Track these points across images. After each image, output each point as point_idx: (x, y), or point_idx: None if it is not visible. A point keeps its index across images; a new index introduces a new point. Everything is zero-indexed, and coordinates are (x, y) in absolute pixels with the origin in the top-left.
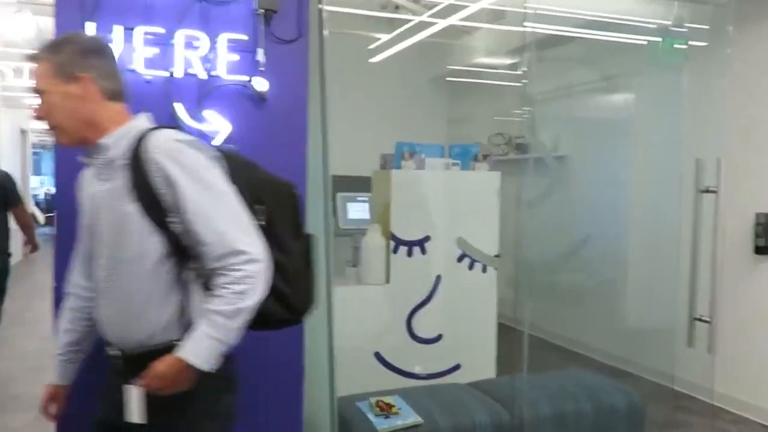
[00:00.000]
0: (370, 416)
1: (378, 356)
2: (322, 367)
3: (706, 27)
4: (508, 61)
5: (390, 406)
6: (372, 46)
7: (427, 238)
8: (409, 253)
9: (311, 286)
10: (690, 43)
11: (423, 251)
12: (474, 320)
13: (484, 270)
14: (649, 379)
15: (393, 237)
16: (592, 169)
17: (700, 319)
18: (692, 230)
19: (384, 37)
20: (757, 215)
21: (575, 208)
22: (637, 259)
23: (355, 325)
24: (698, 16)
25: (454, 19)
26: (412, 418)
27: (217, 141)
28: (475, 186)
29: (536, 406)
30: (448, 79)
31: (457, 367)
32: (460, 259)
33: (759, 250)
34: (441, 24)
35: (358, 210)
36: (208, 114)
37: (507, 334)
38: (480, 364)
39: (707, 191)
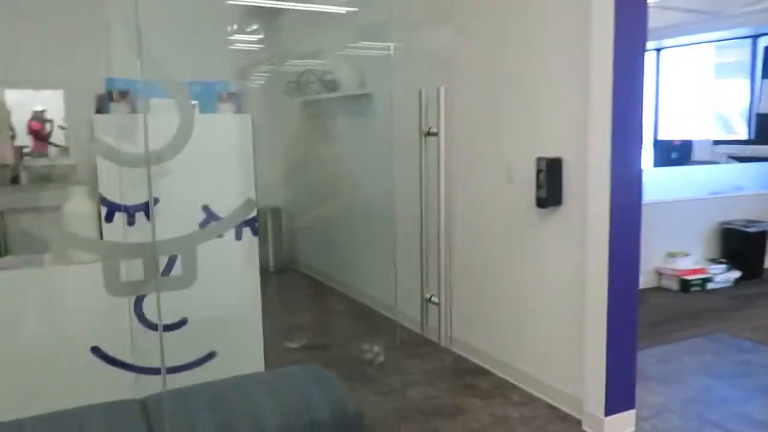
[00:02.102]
0: None
1: (97, 351)
2: None
3: None
4: None
5: None
6: None
7: (154, 201)
8: (131, 222)
9: None
10: None
11: (149, 218)
12: (231, 297)
13: (239, 236)
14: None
15: (103, 201)
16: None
17: (430, 301)
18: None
19: None
20: (537, 161)
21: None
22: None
23: (60, 317)
24: None
25: None
26: None
27: None
28: (218, 132)
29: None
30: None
31: (211, 356)
32: (203, 224)
33: (540, 202)
34: None
35: None
36: None
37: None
38: (243, 346)
39: (429, 134)
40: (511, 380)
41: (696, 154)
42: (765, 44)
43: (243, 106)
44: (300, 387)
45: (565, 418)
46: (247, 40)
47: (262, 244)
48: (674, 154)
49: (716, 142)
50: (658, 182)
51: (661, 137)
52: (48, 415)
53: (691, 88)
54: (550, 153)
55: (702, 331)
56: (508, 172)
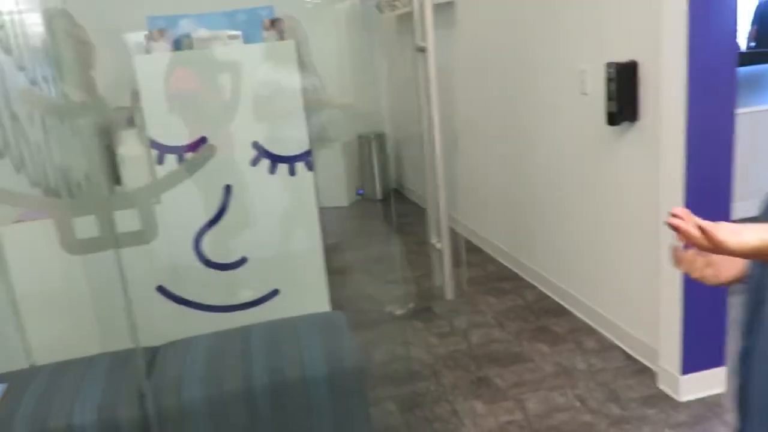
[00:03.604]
0: None
1: (162, 290)
2: None
3: None
4: None
5: None
6: None
7: (203, 140)
8: (181, 162)
9: None
10: None
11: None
12: (288, 235)
13: (292, 172)
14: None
15: (153, 144)
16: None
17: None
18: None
19: None
20: (607, 67)
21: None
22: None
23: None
24: None
25: None
26: None
27: None
28: (262, 63)
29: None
30: None
31: (275, 293)
32: (254, 162)
33: (612, 119)
34: None
35: None
36: None
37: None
38: (306, 284)
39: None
40: (590, 323)
41: None
42: None
43: (294, 31)
44: (305, 338)
45: (641, 371)
46: None
47: (368, 171)
48: None
49: None
50: None
51: None
52: (55, 364)
53: None
54: (623, 57)
55: None
56: (580, 81)
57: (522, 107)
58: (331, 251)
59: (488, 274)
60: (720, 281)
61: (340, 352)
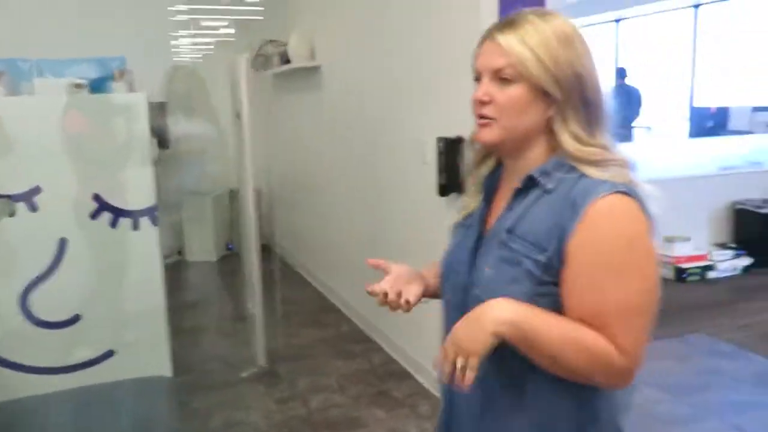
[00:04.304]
0: None
1: None
2: None
3: None
4: None
5: None
6: None
7: (36, 191)
8: (10, 212)
9: None
10: None
11: (33, 208)
12: (129, 293)
13: (136, 227)
14: None
15: None
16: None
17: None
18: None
19: None
20: (437, 140)
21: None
22: None
23: None
24: None
25: None
26: None
27: None
28: (109, 114)
29: None
30: None
31: (109, 354)
32: (95, 215)
33: (442, 190)
34: None
35: None
36: None
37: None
38: (146, 344)
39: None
40: (427, 387)
41: (733, 123)
42: None
43: (135, 83)
44: (119, 406)
45: None
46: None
47: (239, 226)
48: (710, 122)
49: (756, 109)
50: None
51: (697, 104)
52: None
53: (732, 48)
54: (451, 132)
55: (681, 330)
56: (422, 152)
57: (376, 170)
58: (189, 308)
59: (341, 334)
60: (411, 306)
61: (149, 422)
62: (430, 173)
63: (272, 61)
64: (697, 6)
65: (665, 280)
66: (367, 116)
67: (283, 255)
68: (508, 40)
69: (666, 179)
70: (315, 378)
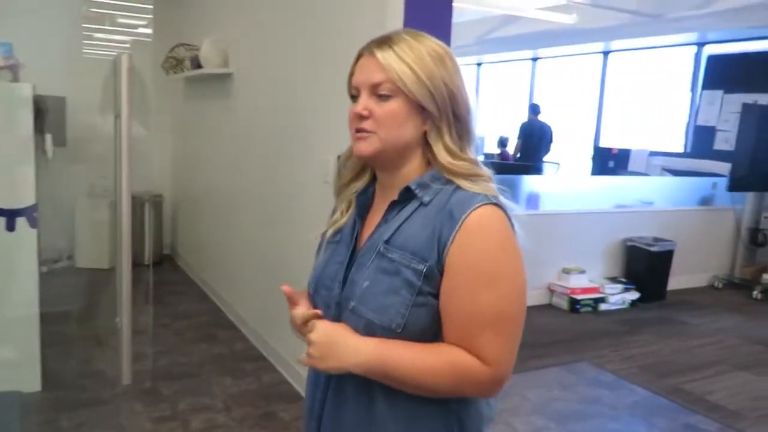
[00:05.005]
0: None
1: None
2: None
3: None
4: None
5: None
6: None
7: None
8: None
9: None
10: None
11: None
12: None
13: (11, 228)
14: None
15: None
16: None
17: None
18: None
19: None
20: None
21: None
22: None
23: None
24: None
25: None
26: None
27: None
28: None
29: None
30: None
31: None
32: None
33: None
34: None
35: None
36: None
37: None
38: (15, 356)
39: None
40: None
41: (632, 164)
42: (708, 53)
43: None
44: None
45: None
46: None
47: (139, 233)
48: (611, 162)
49: (652, 154)
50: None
51: (602, 144)
52: None
53: (636, 95)
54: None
55: (568, 358)
56: (325, 170)
57: (279, 187)
58: (69, 318)
59: (233, 352)
60: None
61: None
62: (330, 193)
63: (184, 64)
64: (606, 53)
65: (560, 311)
66: (274, 129)
67: (185, 267)
68: (386, 56)
69: (567, 213)
70: (200, 397)
